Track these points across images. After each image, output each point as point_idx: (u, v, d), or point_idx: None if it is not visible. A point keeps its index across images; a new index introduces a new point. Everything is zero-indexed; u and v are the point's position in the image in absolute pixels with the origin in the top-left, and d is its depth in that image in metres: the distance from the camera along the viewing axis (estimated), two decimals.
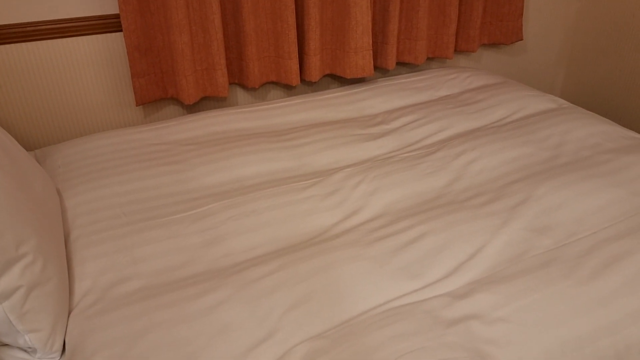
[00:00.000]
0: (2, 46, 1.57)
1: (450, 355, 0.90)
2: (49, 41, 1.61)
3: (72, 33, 1.63)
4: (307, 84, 2.05)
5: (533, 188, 1.33)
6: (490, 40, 2.23)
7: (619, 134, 1.62)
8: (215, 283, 1.05)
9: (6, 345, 0.96)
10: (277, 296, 1.01)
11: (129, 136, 1.58)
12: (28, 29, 1.57)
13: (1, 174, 0.97)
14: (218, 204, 1.29)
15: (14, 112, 1.66)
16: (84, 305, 1.02)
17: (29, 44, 1.59)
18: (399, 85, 1.98)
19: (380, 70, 2.17)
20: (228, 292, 1.02)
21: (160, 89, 1.74)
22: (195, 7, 1.65)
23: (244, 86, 1.92)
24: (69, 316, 0.99)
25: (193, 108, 1.89)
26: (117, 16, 1.65)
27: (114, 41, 1.69)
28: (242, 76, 1.83)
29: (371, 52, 1.87)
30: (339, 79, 2.10)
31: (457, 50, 2.19)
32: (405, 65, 2.21)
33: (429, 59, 2.24)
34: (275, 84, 1.99)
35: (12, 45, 1.58)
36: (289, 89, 2.02)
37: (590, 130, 1.63)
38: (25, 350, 0.95)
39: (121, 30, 1.67)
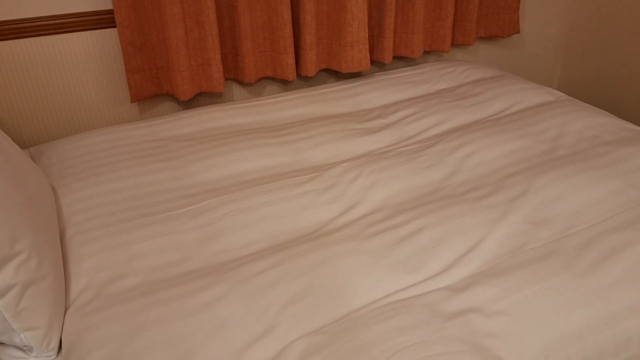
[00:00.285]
0: None
1: (450, 349, 0.89)
2: (42, 38, 1.60)
3: (65, 29, 1.61)
4: (303, 79, 2.04)
5: (531, 181, 1.32)
6: (487, 33, 2.22)
7: (617, 126, 1.62)
8: (212, 279, 1.04)
9: (2, 344, 0.95)
10: (274, 292, 1.01)
11: (124, 133, 1.57)
12: (21, 25, 1.56)
13: None
14: (215, 200, 1.28)
15: (8, 110, 1.65)
16: (80, 303, 1.01)
17: (21, 40, 1.58)
18: (396, 80, 1.97)
19: (377, 64, 2.16)
20: (225, 288, 1.01)
21: (155, 85, 1.73)
22: (190, 1, 1.63)
23: (239, 81, 1.91)
24: (65, 314, 0.99)
25: (189, 104, 1.88)
26: (111, 12, 1.63)
27: (108, 37, 1.68)
28: (238, 71, 1.82)
29: (367, 46, 1.86)
30: (335, 74, 2.09)
31: (454, 44, 2.18)
32: (401, 59, 2.20)
33: (425, 52, 2.23)
34: (271, 79, 1.98)
35: (5, 42, 1.57)
36: (285, 84, 2.01)
37: (588, 123, 1.62)
38: (21, 349, 0.94)
39: (115, 26, 1.65)
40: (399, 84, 1.93)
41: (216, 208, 1.25)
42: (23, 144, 1.70)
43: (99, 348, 0.90)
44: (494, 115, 1.73)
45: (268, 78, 1.98)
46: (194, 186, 1.35)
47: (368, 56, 1.87)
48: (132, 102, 1.70)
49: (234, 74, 1.84)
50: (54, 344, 0.93)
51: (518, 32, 2.23)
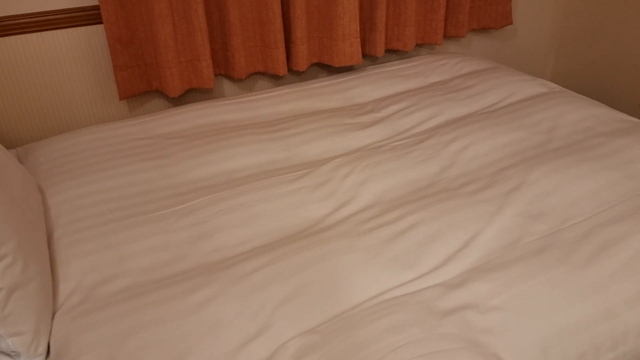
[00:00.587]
0: None
1: (446, 347, 0.88)
2: (27, 35, 1.56)
3: (51, 26, 1.58)
4: (295, 74, 2.01)
5: (526, 173, 1.31)
6: (480, 25, 2.20)
7: (611, 117, 1.60)
8: (205, 279, 1.02)
9: None
10: (268, 291, 0.99)
11: (113, 131, 1.54)
12: (5, 22, 1.52)
13: None
14: (206, 198, 1.26)
15: None
16: (69, 306, 0.99)
17: (6, 38, 1.55)
18: (388, 73, 1.95)
19: (369, 57, 2.14)
20: (218, 288, 1.00)
21: (144, 81, 1.70)
22: None
23: (230, 77, 1.88)
24: (53, 317, 0.96)
25: (178, 101, 1.85)
26: (97, 7, 1.60)
27: (95, 34, 1.65)
28: (228, 67, 1.79)
29: (359, 39, 1.83)
30: (327, 68, 2.07)
31: (446, 36, 2.16)
32: (394, 53, 2.18)
33: (418, 45, 2.21)
34: (263, 74, 1.96)
35: None
36: (276, 79, 1.99)
37: (582, 114, 1.61)
38: (8, 355, 0.92)
39: (102, 22, 1.62)
40: (391, 78, 1.91)
41: (207, 206, 1.23)
42: (9, 144, 1.67)
43: (88, 352, 0.88)
44: (488, 107, 1.71)
45: (259, 73, 1.95)
46: (184, 184, 1.33)
47: (360, 50, 1.85)
48: (120, 100, 1.67)
49: (224, 69, 1.81)
50: (42, 348, 0.91)
51: (511, 23, 2.21)
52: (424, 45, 2.23)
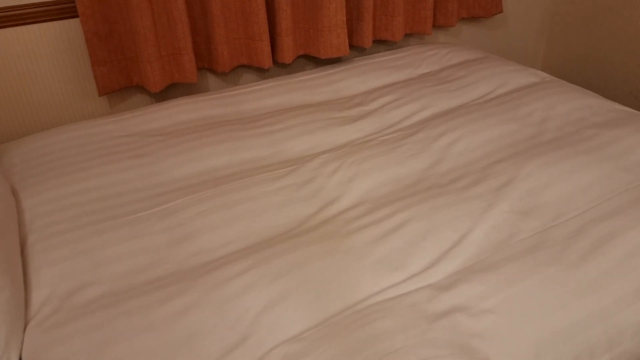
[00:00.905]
0: None
1: (435, 353, 0.84)
2: (0, 30, 1.50)
3: (25, 21, 1.52)
4: (281, 66, 1.96)
5: (518, 168, 1.27)
6: (469, 13, 2.15)
7: (604, 107, 1.57)
8: (183, 285, 0.98)
9: None
10: (249, 297, 0.95)
11: (91, 129, 1.48)
12: None
13: None
14: (186, 199, 1.22)
15: None
16: (41, 317, 0.94)
17: None
18: (377, 64, 1.91)
19: (357, 49, 2.09)
20: (197, 295, 0.95)
21: (124, 76, 1.65)
22: None
23: (214, 71, 1.83)
24: (25, 329, 0.92)
25: (161, 96, 1.79)
26: (72, 1, 1.54)
27: (71, 27, 1.59)
28: (212, 60, 1.74)
29: (346, 30, 1.78)
30: (314, 60, 2.02)
31: (436, 26, 2.11)
32: (382, 43, 2.13)
33: (407, 35, 2.16)
34: (248, 67, 1.90)
35: None
36: (262, 72, 1.93)
37: (575, 105, 1.57)
38: None
39: (77, 16, 1.56)
40: (380, 69, 1.86)
41: (188, 207, 1.19)
42: None
43: None
44: (478, 99, 1.67)
45: (244, 66, 1.90)
46: (164, 184, 1.28)
47: (347, 41, 1.80)
48: (100, 96, 1.61)
49: (208, 63, 1.76)
50: None
51: (501, 11, 2.17)
52: (413, 35, 2.18)
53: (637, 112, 1.56)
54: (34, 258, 1.06)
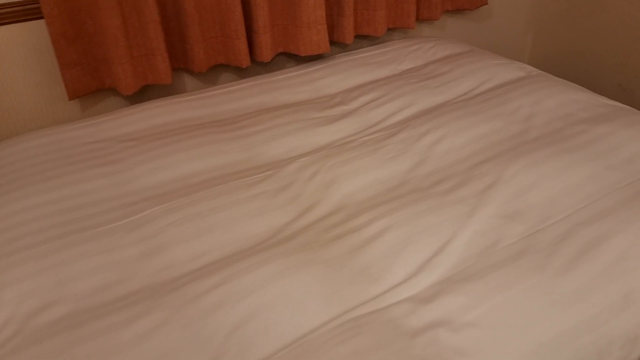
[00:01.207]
0: None
1: None
2: None
3: None
4: (260, 65, 1.90)
5: (503, 168, 1.23)
6: (454, 6, 2.10)
7: (592, 102, 1.52)
8: (151, 303, 0.93)
9: None
10: (220, 315, 0.90)
11: (60, 135, 1.42)
12: None
13: None
14: (158, 209, 1.16)
15: None
16: (0, 341, 0.89)
17: None
18: (359, 61, 1.85)
19: (339, 45, 2.03)
20: (165, 314, 0.90)
21: (95, 79, 1.58)
22: None
23: (190, 71, 1.77)
24: None
25: (136, 98, 1.73)
26: (36, 1, 1.47)
27: (39, 29, 1.52)
28: (187, 60, 1.68)
29: (325, 26, 1.73)
30: (295, 57, 1.96)
31: (419, 19, 2.06)
32: (365, 38, 2.07)
33: (390, 30, 2.10)
34: (226, 66, 1.84)
35: None
36: (241, 71, 1.87)
37: (562, 100, 1.53)
38: None
39: (43, 17, 1.50)
40: (362, 66, 1.81)
41: (159, 218, 1.13)
42: None
43: None
44: (463, 95, 1.62)
45: (222, 65, 1.84)
46: (135, 193, 1.22)
47: (327, 37, 1.74)
48: (70, 100, 1.55)
49: (184, 63, 1.70)
50: None
51: (486, 3, 2.12)
52: (396, 29, 2.13)
53: (624, 106, 1.52)
54: None
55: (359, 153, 1.32)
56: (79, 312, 0.93)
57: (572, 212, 1.10)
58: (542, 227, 1.06)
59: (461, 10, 2.15)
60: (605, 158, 1.26)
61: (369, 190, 1.21)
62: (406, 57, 1.88)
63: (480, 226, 1.07)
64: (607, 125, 1.38)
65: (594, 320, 0.88)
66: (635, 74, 2.12)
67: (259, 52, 1.72)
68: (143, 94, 1.73)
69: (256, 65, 1.89)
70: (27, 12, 1.48)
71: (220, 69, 1.84)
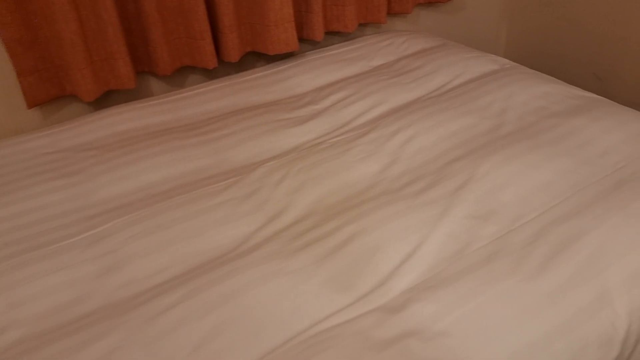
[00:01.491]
0: None
1: None
2: None
3: None
4: (230, 65, 1.85)
5: (475, 166, 1.20)
6: None
7: (565, 94, 1.50)
8: (110, 324, 0.89)
9: None
10: (182, 333, 0.86)
11: (17, 146, 1.37)
12: None
13: None
14: (119, 221, 1.11)
15: None
16: None
17: None
18: (330, 58, 1.81)
19: (310, 42, 1.99)
20: (124, 334, 0.86)
21: (55, 86, 1.52)
22: None
23: (155, 74, 1.71)
24: None
25: (100, 104, 1.67)
26: None
27: None
28: (152, 63, 1.62)
29: (294, 24, 1.68)
30: (265, 56, 1.91)
31: (391, 13, 2.02)
32: (336, 35, 2.03)
33: (361, 25, 2.06)
34: (194, 68, 1.79)
35: None
36: (209, 72, 1.82)
37: (534, 92, 1.50)
38: None
39: None
40: (332, 63, 1.77)
41: (120, 231, 1.09)
42: None
43: None
44: (435, 91, 1.59)
45: (189, 67, 1.78)
46: (95, 205, 1.17)
47: (295, 35, 1.70)
48: (29, 108, 1.49)
49: (148, 66, 1.64)
50: None
51: None
52: (368, 24, 2.09)
53: (597, 97, 1.50)
54: None
55: (328, 155, 1.28)
56: (33, 336, 0.88)
57: (544, 210, 1.07)
58: (514, 227, 1.04)
59: (434, 2, 2.11)
60: (578, 152, 1.23)
61: (339, 194, 1.17)
62: (378, 53, 1.84)
63: (452, 228, 1.03)
64: (580, 118, 1.36)
65: (568, 324, 0.86)
66: (609, 62, 2.10)
67: (226, 52, 1.67)
68: (107, 99, 1.68)
69: (225, 65, 1.84)
70: None
71: (188, 71, 1.78)
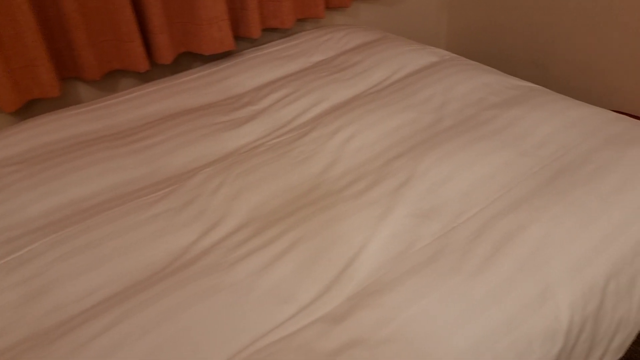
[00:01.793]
0: None
1: None
2: None
3: None
4: (164, 67, 1.78)
5: (416, 163, 1.18)
6: None
7: (503, 84, 1.51)
8: (38, 354, 0.82)
9: None
10: (115, 359, 0.80)
11: None
12: None
13: None
14: (44, 241, 1.04)
15: None
16: None
17: None
18: (268, 55, 1.76)
19: (247, 40, 1.93)
20: None
21: None
22: None
23: (83, 80, 1.62)
24: None
25: (25, 115, 1.57)
26: None
27: None
28: (78, 68, 1.53)
29: (228, 21, 1.62)
30: (201, 57, 1.84)
31: (330, 7, 1.99)
32: (275, 31, 1.98)
33: (300, 20, 2.02)
34: (126, 72, 1.71)
35: None
36: (142, 75, 1.74)
37: (473, 84, 1.51)
38: None
39: None
40: (271, 61, 1.72)
41: (45, 252, 1.01)
42: None
43: None
44: (376, 86, 1.57)
45: (121, 71, 1.70)
46: (18, 226, 1.09)
47: (231, 33, 1.64)
48: None
49: (74, 71, 1.55)
50: None
51: None
52: (307, 20, 2.05)
53: (534, 86, 1.51)
54: None
55: (267, 158, 1.24)
56: None
57: (486, 205, 1.07)
58: (456, 223, 1.03)
59: None
60: (517, 144, 1.24)
61: (279, 198, 1.13)
62: (317, 48, 1.80)
63: (394, 228, 1.01)
64: (518, 108, 1.37)
65: (512, 321, 0.85)
66: (548, 49, 2.14)
67: (157, 53, 1.60)
68: (31, 109, 1.57)
69: (159, 68, 1.76)
70: None
71: (119, 75, 1.70)
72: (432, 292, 0.87)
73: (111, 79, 1.69)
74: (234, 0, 1.72)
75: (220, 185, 1.16)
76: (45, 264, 0.99)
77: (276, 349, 0.81)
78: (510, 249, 0.95)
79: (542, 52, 2.16)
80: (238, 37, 1.83)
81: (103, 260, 0.99)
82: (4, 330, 0.88)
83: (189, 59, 1.82)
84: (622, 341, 1.02)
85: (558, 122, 1.30)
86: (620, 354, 1.04)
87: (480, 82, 1.51)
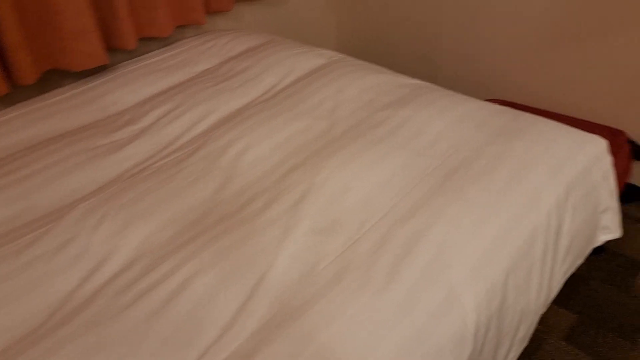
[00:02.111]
0: None
1: None
2: None
3: None
4: (29, 88, 1.59)
5: (314, 173, 1.14)
6: None
7: (392, 84, 1.51)
8: None
9: None
10: None
11: None
12: None
13: None
14: None
15: None
16: None
17: None
18: (148, 67, 1.65)
19: (123, 52, 1.79)
20: None
21: None
22: None
23: None
24: None
25: None
26: None
27: None
28: None
29: (97, 34, 1.49)
30: (72, 73, 1.68)
31: (210, 12, 1.90)
32: (154, 40, 1.86)
33: (180, 27, 1.91)
34: None
35: None
36: (3, 99, 1.55)
37: (363, 85, 1.49)
38: None
39: None
40: (151, 73, 1.61)
41: None
42: None
43: None
44: (265, 94, 1.51)
45: None
46: None
47: (101, 46, 1.51)
48: None
49: None
50: None
51: None
52: (187, 26, 1.94)
53: (422, 83, 1.53)
54: None
55: (154, 183, 1.14)
56: None
57: (386, 212, 1.05)
58: (359, 235, 1.00)
59: None
60: (411, 144, 1.24)
61: (170, 228, 1.04)
62: (200, 56, 1.71)
63: (296, 248, 0.97)
64: (409, 107, 1.37)
65: (421, 333, 0.84)
66: (436, 42, 2.19)
67: (18, 74, 1.42)
68: None
69: (22, 90, 1.57)
70: None
71: None
72: (341, 315, 0.84)
73: None
74: (104, 9, 1.57)
75: (102, 219, 1.04)
76: None
77: None
78: (412, 257, 0.93)
79: (432, 45, 2.21)
80: (112, 49, 1.68)
81: None
82: None
83: (57, 77, 1.65)
84: (525, 331, 1.05)
85: (446, 119, 1.32)
86: (525, 343, 1.08)
87: (370, 83, 1.51)
